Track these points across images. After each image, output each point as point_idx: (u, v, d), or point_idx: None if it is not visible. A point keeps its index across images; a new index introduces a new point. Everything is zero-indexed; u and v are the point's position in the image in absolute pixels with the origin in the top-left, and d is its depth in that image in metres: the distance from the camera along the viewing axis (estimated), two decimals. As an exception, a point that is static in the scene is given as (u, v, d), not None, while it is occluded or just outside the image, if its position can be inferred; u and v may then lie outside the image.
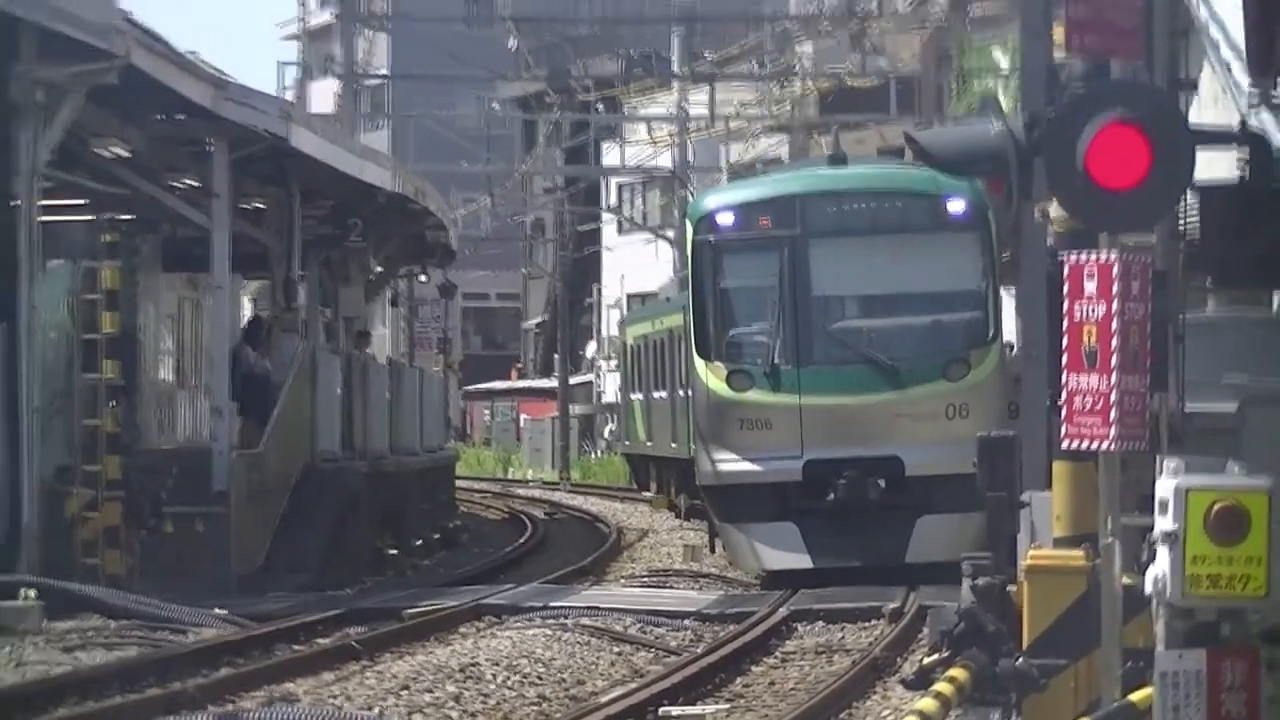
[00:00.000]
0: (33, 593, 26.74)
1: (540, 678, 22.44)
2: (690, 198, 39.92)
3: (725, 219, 31.04)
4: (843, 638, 24.58)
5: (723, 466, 29.73)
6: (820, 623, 25.68)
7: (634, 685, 21.46)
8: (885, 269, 29.23)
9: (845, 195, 30.74)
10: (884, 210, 29.72)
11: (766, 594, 27.45)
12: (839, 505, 27.84)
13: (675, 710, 19.98)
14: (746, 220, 30.53)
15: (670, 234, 71.35)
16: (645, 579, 34.71)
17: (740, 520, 29.53)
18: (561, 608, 28.47)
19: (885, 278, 29.29)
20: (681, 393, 44.30)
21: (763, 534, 28.61)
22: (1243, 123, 13.77)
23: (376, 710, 20.06)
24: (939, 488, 26.41)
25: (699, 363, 30.53)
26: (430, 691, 21.25)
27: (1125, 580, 9.67)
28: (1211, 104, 19.69)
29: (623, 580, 35.58)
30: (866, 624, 25.06)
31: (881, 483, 27.72)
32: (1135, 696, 9.89)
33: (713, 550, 33.77)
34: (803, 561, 28.11)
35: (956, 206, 27.28)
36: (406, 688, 21.34)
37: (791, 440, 28.27)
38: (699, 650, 24.02)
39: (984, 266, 28.09)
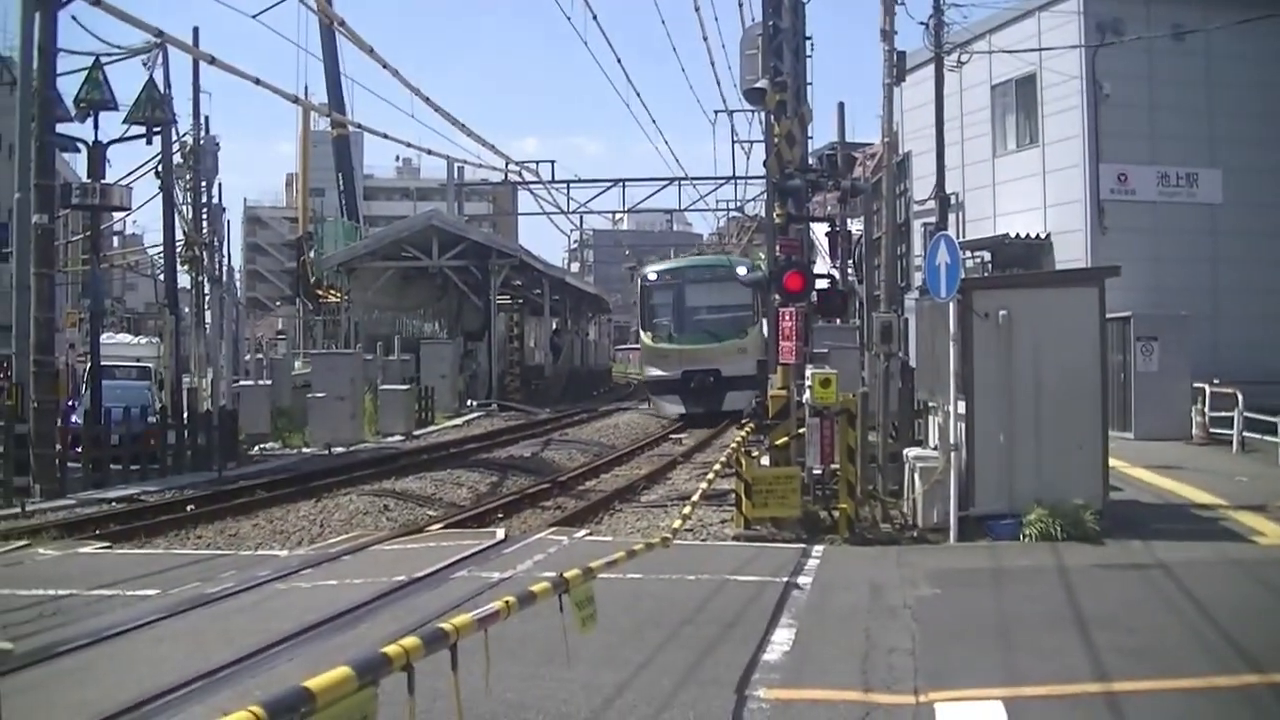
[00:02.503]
0: (495, 405, 26.38)
1: (635, 426, 22.14)
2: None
3: (653, 276, 25.21)
4: (712, 424, 21.72)
5: (651, 373, 24.39)
6: (696, 427, 22.44)
7: (660, 431, 20.97)
8: (716, 295, 23.47)
9: (700, 267, 25.46)
10: (716, 273, 24.14)
11: (677, 420, 22.96)
12: (696, 388, 22.70)
13: (672, 435, 19.64)
14: (661, 277, 24.90)
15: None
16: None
17: (657, 394, 24.27)
18: (639, 409, 26.84)
19: (715, 299, 23.50)
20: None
21: (666, 400, 23.53)
22: (828, 274, 13.37)
23: (593, 438, 19.68)
24: (735, 381, 22.09)
25: (643, 333, 25.17)
26: (608, 429, 21.06)
27: (798, 399, 9.39)
28: (822, 265, 19.00)
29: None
30: (720, 423, 21.43)
31: (712, 379, 22.68)
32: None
33: (649, 406, 25.65)
34: (681, 410, 22.79)
35: (743, 273, 21.86)
36: (600, 429, 21.16)
37: (677, 363, 22.94)
38: (669, 425, 22.22)
39: (753, 298, 22.35)
